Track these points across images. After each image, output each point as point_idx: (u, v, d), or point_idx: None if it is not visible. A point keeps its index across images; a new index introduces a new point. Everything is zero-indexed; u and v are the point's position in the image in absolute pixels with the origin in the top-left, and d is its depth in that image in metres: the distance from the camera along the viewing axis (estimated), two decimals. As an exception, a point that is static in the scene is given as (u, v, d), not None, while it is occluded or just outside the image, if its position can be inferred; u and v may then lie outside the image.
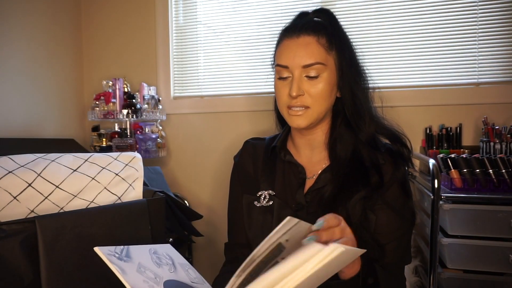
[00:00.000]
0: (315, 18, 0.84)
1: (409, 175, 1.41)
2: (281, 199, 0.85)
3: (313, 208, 0.81)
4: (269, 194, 0.86)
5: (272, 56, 0.88)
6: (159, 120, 1.78)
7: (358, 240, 0.75)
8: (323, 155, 0.87)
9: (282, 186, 0.87)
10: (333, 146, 0.84)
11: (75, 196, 0.93)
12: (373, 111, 0.86)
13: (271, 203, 0.85)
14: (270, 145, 0.93)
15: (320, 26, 0.81)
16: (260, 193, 0.88)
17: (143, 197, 1.04)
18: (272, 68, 0.87)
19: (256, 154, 0.95)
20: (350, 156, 0.82)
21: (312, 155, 0.88)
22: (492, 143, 1.29)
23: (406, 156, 0.83)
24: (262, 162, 0.93)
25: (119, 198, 1.00)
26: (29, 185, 0.88)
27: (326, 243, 0.49)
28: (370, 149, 0.82)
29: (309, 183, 0.85)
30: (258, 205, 0.86)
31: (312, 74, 0.78)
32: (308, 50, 0.78)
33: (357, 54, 0.85)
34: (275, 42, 0.87)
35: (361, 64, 0.86)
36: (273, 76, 0.88)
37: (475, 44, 1.49)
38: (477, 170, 1.18)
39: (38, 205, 0.88)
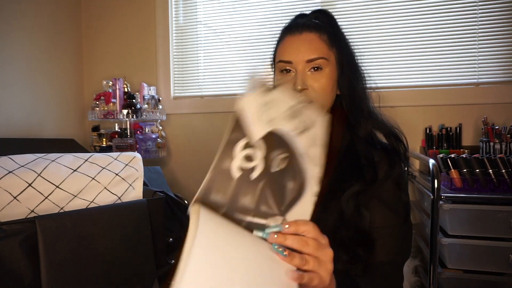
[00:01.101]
0: (314, 19, 0.84)
1: (409, 175, 1.41)
2: None
3: None
4: None
5: (271, 56, 0.88)
6: (159, 120, 1.78)
7: (348, 239, 0.75)
8: None
9: None
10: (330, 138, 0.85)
11: (75, 196, 0.93)
12: (371, 107, 0.86)
13: None
14: None
15: (320, 25, 0.82)
16: None
17: (143, 197, 1.04)
18: (272, 67, 0.88)
19: None
20: (345, 149, 0.82)
21: None
22: (492, 143, 1.29)
23: (402, 153, 0.83)
24: None
25: (119, 198, 1.00)
26: (29, 185, 0.88)
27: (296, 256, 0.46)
28: (365, 145, 0.82)
29: None
30: None
31: (315, 69, 0.79)
32: (312, 46, 0.79)
33: (355, 54, 0.86)
34: (275, 42, 0.87)
35: (360, 63, 0.86)
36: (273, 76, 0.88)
37: (475, 44, 1.49)
38: (477, 170, 1.18)
39: (38, 205, 0.88)
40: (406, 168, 0.86)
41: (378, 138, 0.86)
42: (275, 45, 0.87)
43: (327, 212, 0.76)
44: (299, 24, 0.81)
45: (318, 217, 0.78)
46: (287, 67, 0.81)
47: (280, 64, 0.83)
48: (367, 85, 0.87)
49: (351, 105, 0.83)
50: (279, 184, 0.49)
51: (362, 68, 0.87)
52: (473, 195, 1.15)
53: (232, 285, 0.41)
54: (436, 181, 1.08)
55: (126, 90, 1.68)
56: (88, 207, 0.95)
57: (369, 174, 0.79)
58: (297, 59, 0.79)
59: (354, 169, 0.80)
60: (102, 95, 1.64)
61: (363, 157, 0.81)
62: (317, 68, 0.79)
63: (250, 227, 0.48)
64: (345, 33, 0.86)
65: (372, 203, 0.80)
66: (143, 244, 0.96)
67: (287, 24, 0.86)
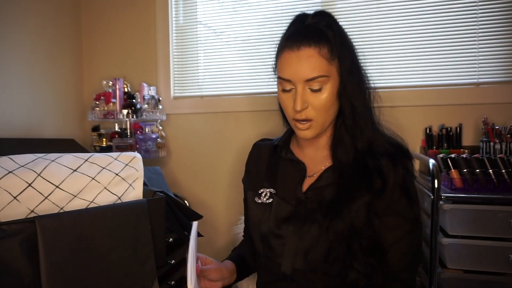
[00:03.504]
0: (315, 22, 0.82)
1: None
2: (281, 196, 0.87)
3: (312, 205, 0.82)
4: (270, 192, 0.88)
5: (274, 59, 0.87)
6: (159, 120, 1.78)
7: (360, 249, 0.75)
8: (325, 153, 0.87)
9: (282, 183, 0.89)
10: (335, 147, 0.85)
11: (75, 196, 0.93)
12: (373, 119, 0.85)
13: (271, 201, 0.87)
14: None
15: (320, 34, 0.79)
16: (261, 190, 0.90)
17: (143, 197, 1.04)
18: (274, 73, 0.87)
19: (260, 155, 0.98)
20: (352, 158, 0.82)
21: (315, 154, 0.89)
22: (492, 143, 1.29)
23: (407, 163, 0.83)
24: (267, 162, 0.94)
25: (119, 198, 1.00)
26: (29, 185, 0.88)
27: None
28: (369, 154, 0.82)
29: (310, 181, 0.86)
30: (258, 201, 0.89)
31: (316, 87, 0.78)
32: (310, 64, 0.77)
33: (358, 57, 0.85)
34: (276, 44, 0.86)
35: (363, 68, 0.85)
36: (274, 77, 0.88)
37: (475, 44, 1.49)
38: (477, 170, 1.18)
39: (38, 205, 0.88)
40: (412, 173, 0.85)
41: (383, 146, 0.85)
42: (276, 52, 0.86)
43: (337, 220, 0.77)
44: (299, 36, 0.79)
45: (329, 224, 0.78)
46: (287, 85, 0.81)
47: (280, 80, 0.83)
48: (370, 93, 0.86)
49: (351, 118, 0.83)
50: None
51: (365, 73, 0.86)
52: (473, 195, 1.15)
53: None
54: (436, 181, 1.08)
55: (126, 90, 1.68)
56: (88, 207, 0.94)
57: (377, 183, 0.79)
58: (296, 78, 0.78)
59: (363, 178, 0.80)
60: (102, 95, 1.64)
61: (371, 165, 0.81)
62: (316, 90, 0.78)
63: None
64: (348, 34, 0.85)
65: (382, 211, 0.80)
66: (143, 244, 0.96)
67: (287, 30, 0.84)
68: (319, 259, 0.77)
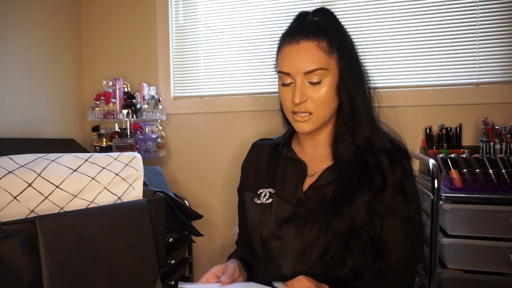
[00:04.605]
0: (315, 18, 0.83)
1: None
2: (281, 196, 0.86)
3: (312, 205, 0.82)
4: (270, 192, 0.88)
5: (274, 59, 0.88)
6: (159, 120, 1.78)
7: (358, 248, 0.76)
8: (326, 152, 0.87)
9: (282, 182, 0.88)
10: (335, 144, 0.85)
11: (75, 196, 0.93)
12: (372, 115, 0.85)
13: (270, 201, 0.86)
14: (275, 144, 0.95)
15: (320, 29, 0.80)
16: (261, 190, 0.89)
17: (143, 197, 1.04)
18: (275, 71, 0.88)
19: (260, 155, 0.97)
20: (352, 156, 0.82)
21: (315, 153, 0.89)
22: (492, 143, 1.29)
23: (405, 163, 0.83)
24: (267, 162, 0.94)
25: (119, 198, 1.00)
26: (29, 185, 0.88)
27: None
28: (369, 151, 0.82)
29: (310, 180, 0.86)
30: (258, 202, 0.88)
31: (315, 80, 0.78)
32: (309, 56, 0.77)
33: (358, 54, 0.85)
34: (276, 44, 0.87)
35: (363, 64, 0.85)
36: (274, 77, 0.88)
37: (475, 44, 1.49)
38: (477, 170, 1.18)
39: (38, 205, 0.88)
40: (410, 172, 0.85)
41: (382, 143, 0.85)
42: (277, 49, 0.87)
43: (337, 218, 0.77)
44: (297, 31, 0.80)
45: (329, 222, 0.78)
46: (287, 79, 0.81)
47: (279, 74, 0.83)
48: (369, 89, 0.86)
49: (350, 112, 0.82)
50: None
51: (365, 70, 0.86)
52: (473, 195, 1.15)
53: None
54: (436, 181, 1.08)
55: (126, 90, 1.68)
56: (88, 207, 0.95)
57: (378, 181, 0.79)
58: (295, 71, 0.78)
59: (364, 176, 0.80)
60: (102, 95, 1.64)
61: (371, 162, 0.81)
62: (315, 83, 0.79)
63: None
64: (348, 31, 0.85)
65: (382, 211, 0.80)
66: (145, 243, 0.96)
67: (287, 27, 0.85)
68: (316, 258, 0.77)
